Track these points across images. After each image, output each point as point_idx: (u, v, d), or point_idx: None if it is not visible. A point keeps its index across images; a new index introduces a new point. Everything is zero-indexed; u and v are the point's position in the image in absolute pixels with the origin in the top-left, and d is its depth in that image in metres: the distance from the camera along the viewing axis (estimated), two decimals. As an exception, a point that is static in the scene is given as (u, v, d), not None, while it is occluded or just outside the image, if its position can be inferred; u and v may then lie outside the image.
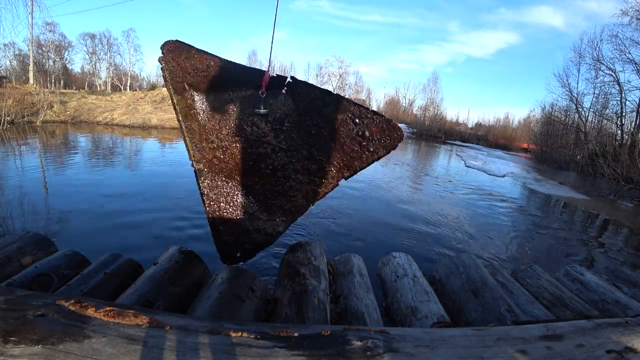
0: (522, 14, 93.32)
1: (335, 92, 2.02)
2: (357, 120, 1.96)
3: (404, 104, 51.51)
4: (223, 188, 2.18)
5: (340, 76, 48.30)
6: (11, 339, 0.95)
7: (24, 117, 14.54)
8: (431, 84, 46.52)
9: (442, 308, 2.09)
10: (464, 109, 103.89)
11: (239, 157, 2.15)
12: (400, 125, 2.01)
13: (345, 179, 2.11)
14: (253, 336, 1.12)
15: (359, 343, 1.12)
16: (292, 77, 2.01)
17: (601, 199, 10.43)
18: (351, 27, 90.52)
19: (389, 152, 2.02)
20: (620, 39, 18.04)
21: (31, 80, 21.69)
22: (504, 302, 2.12)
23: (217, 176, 2.17)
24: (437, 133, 39.19)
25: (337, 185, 2.14)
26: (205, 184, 2.16)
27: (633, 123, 17.60)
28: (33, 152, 8.71)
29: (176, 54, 1.98)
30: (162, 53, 1.99)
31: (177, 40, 1.99)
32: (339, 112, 1.97)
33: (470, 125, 51.88)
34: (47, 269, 1.99)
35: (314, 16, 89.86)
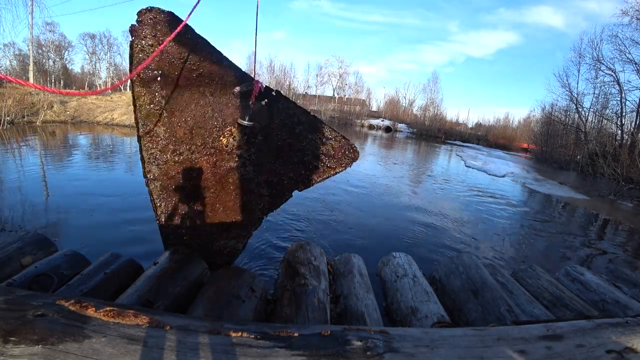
0: (522, 14, 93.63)
1: (312, 113, 2.05)
2: (324, 140, 2.02)
3: (404, 104, 51.40)
4: (185, 210, 1.92)
5: (340, 76, 48.34)
6: (11, 339, 0.95)
7: (24, 117, 14.52)
8: (431, 84, 46.53)
9: (442, 308, 2.09)
10: (464, 109, 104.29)
11: (208, 172, 1.89)
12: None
13: (300, 191, 2.14)
14: (253, 336, 1.12)
15: (359, 343, 1.12)
16: (276, 91, 1.95)
17: (601, 199, 10.43)
18: (351, 27, 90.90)
19: (344, 170, 2.14)
20: (620, 39, 18.04)
21: (31, 80, 21.70)
22: (504, 302, 2.12)
23: (179, 196, 1.88)
24: (437, 133, 39.18)
25: (291, 196, 2.16)
26: (163, 207, 1.87)
27: (633, 123, 17.58)
28: (33, 151, 8.70)
29: (161, 29, 1.49)
30: (138, 21, 1.49)
31: (170, 13, 1.50)
32: (311, 132, 2.01)
33: (470, 125, 51.94)
34: (47, 269, 1.99)
35: (314, 16, 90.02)
